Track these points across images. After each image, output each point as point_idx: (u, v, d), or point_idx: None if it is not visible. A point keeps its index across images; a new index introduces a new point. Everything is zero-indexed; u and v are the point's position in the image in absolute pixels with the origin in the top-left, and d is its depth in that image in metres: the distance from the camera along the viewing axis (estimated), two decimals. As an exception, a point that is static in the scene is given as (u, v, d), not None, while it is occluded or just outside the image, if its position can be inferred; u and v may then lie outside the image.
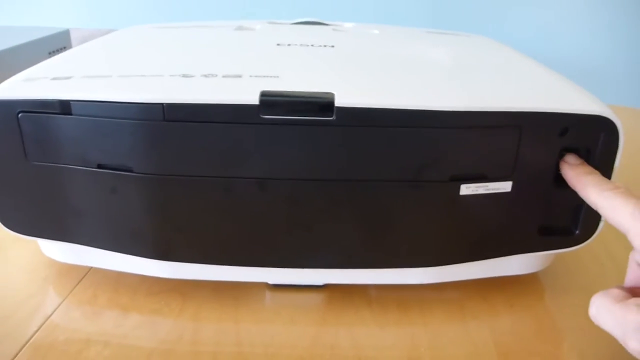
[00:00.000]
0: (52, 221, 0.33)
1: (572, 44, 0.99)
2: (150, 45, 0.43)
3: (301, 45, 0.41)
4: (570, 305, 0.35)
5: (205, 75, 0.31)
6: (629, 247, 0.26)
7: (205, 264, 0.34)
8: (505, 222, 0.33)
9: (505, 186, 0.31)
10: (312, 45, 0.41)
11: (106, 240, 0.33)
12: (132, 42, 0.44)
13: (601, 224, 0.33)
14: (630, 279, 0.27)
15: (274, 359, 0.30)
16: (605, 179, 0.29)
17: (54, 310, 0.34)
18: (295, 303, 0.35)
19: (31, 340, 0.31)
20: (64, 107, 0.30)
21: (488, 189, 0.31)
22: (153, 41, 0.44)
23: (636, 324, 0.23)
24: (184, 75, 0.31)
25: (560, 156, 0.31)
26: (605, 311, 0.25)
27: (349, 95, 0.29)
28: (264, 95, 0.29)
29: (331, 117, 0.29)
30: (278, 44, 0.41)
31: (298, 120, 0.29)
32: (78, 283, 0.36)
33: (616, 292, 0.25)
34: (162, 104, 0.29)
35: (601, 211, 0.27)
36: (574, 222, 0.33)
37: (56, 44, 0.81)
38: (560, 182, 0.31)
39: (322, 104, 0.29)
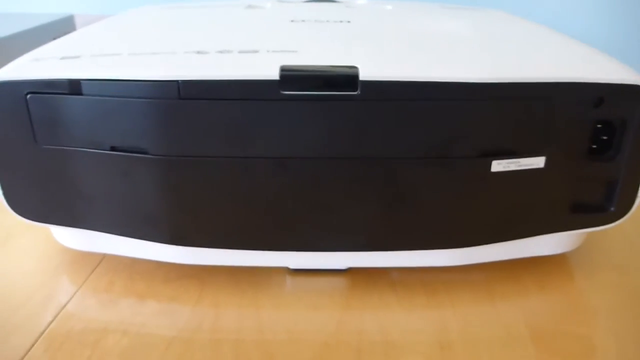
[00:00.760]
0: (63, 207, 0.32)
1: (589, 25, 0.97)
2: (160, 24, 0.41)
3: (316, 21, 0.40)
4: (602, 286, 0.34)
5: (221, 52, 0.30)
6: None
7: (223, 249, 0.32)
8: (536, 200, 0.31)
9: (538, 162, 0.30)
10: (328, 21, 0.40)
11: (120, 226, 0.32)
12: (141, 22, 0.42)
13: (637, 201, 0.32)
14: None
15: (298, 345, 0.29)
16: None
17: (69, 300, 0.33)
18: (316, 288, 0.34)
19: (46, 331, 0.30)
20: (74, 86, 0.28)
21: (520, 165, 0.29)
22: (163, 20, 0.43)
23: None
24: (199, 52, 0.30)
25: (595, 129, 0.30)
26: None
27: (373, 68, 0.28)
28: (284, 70, 0.27)
29: (355, 91, 0.27)
30: (292, 20, 0.40)
31: (320, 95, 0.27)
32: (93, 271, 0.35)
33: None
34: (177, 80, 0.27)
35: None
36: (609, 199, 0.32)
37: (61, 29, 0.80)
38: (595, 156, 0.30)
39: (345, 78, 0.27)
